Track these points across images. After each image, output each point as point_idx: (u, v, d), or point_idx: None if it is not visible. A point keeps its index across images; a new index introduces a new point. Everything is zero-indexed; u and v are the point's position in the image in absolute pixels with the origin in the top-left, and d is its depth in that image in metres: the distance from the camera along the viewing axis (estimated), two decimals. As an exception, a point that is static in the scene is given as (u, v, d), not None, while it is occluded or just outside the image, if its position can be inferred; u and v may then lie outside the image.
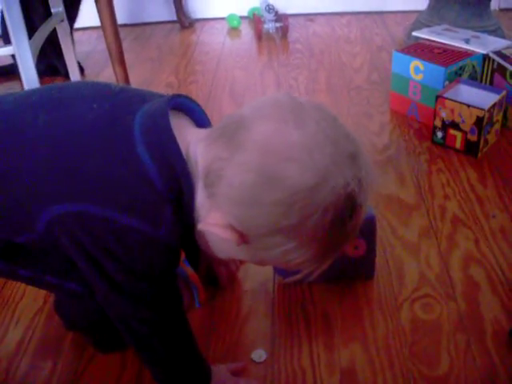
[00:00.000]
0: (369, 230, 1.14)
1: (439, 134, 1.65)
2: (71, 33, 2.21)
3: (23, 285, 1.23)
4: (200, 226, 0.82)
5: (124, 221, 0.77)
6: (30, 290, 1.22)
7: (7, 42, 2.04)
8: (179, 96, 0.86)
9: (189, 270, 1.12)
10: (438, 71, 1.70)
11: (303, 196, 0.74)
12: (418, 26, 2.17)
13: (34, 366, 1.07)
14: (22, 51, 1.91)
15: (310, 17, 2.85)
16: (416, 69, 1.76)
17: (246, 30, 2.81)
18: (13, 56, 2.11)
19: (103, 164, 0.78)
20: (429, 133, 1.70)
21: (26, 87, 1.96)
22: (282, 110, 0.79)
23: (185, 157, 0.79)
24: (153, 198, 0.78)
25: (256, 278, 1.23)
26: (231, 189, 0.76)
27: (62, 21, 2.01)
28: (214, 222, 0.80)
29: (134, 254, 0.81)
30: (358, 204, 0.78)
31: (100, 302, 0.89)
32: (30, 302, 1.20)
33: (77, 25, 2.37)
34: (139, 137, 0.78)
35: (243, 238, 0.79)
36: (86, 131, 0.80)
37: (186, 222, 0.82)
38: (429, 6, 2.36)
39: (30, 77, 1.96)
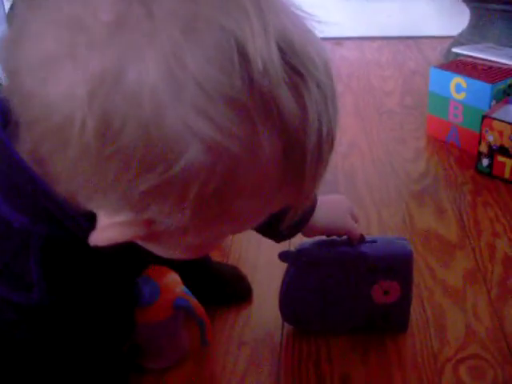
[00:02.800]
0: (404, 271, 0.92)
1: (485, 162, 1.43)
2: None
3: None
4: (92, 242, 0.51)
5: None
6: None
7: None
8: None
9: (193, 301, 0.90)
10: (484, 89, 1.48)
11: None
12: (458, 45, 1.97)
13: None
14: None
15: (337, 41, 2.66)
16: (458, 86, 1.54)
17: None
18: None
19: None
20: (472, 160, 1.48)
21: None
22: None
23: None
24: (12, 243, 0.55)
25: (260, 326, 1.01)
26: None
27: None
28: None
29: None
30: None
31: None
32: None
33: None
34: None
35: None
36: None
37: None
38: (469, 23, 2.16)
39: None
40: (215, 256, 1.10)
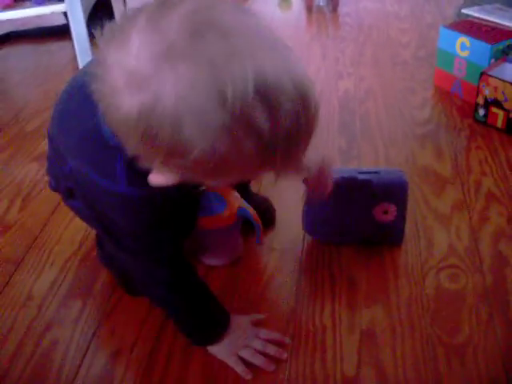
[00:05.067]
0: (400, 196, 1.16)
1: (481, 112, 1.64)
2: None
3: (60, 229, 1.30)
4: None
5: (89, 172, 0.84)
6: (67, 234, 1.28)
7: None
8: None
9: (251, 209, 1.15)
10: (484, 48, 1.68)
11: None
12: (470, 4, 2.14)
13: (65, 304, 1.12)
14: (73, 9, 1.96)
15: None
16: (462, 45, 1.75)
17: (297, 2, 2.80)
18: (65, 15, 2.17)
19: (80, 131, 0.85)
20: (471, 110, 1.69)
21: (77, 47, 2.01)
22: None
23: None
24: (107, 153, 0.81)
25: (285, 238, 1.26)
26: None
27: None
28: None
29: (105, 206, 0.88)
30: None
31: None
32: (66, 246, 1.26)
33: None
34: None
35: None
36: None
37: None
38: (482, -16, 2.32)
39: (80, 36, 2.00)
40: (252, 185, 1.34)
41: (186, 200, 0.98)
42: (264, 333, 1.02)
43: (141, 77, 0.62)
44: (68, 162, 0.89)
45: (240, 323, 1.02)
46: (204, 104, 0.61)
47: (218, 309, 1.01)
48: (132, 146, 0.68)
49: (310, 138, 0.69)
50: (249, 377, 0.98)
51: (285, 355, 1.01)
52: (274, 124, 0.63)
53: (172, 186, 0.75)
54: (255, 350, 1.00)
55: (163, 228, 0.91)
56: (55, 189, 1.12)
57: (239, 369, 0.99)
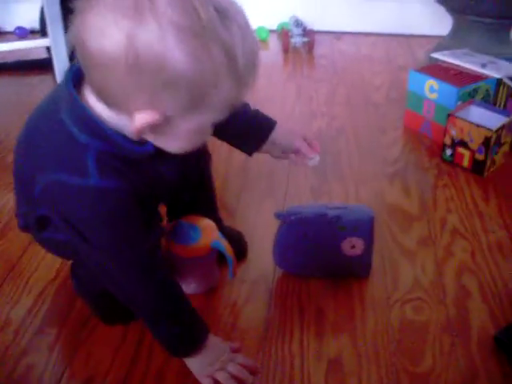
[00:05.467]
0: (367, 231, 1.20)
1: (448, 152, 1.70)
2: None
3: (38, 257, 1.32)
4: (132, 129, 0.84)
5: (58, 177, 0.89)
6: (44, 262, 1.31)
7: (44, 35, 2.13)
8: (72, 66, 0.92)
9: (225, 242, 1.18)
10: (452, 91, 1.75)
11: None
12: (440, 49, 2.22)
13: (41, 331, 1.14)
14: (57, 44, 2.00)
15: (337, 35, 2.91)
16: (431, 88, 1.82)
17: (274, 43, 2.87)
18: (48, 49, 2.22)
19: (47, 139, 0.93)
20: (439, 150, 1.76)
21: (59, 81, 2.04)
22: None
23: (89, 108, 0.88)
24: (77, 151, 0.88)
25: (256, 270, 1.30)
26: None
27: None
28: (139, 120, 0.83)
29: (73, 207, 0.91)
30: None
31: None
32: (43, 273, 1.28)
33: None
34: (65, 114, 0.89)
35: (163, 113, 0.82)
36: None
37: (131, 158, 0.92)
38: (451, 30, 2.41)
39: (62, 69, 2.04)
40: (224, 218, 1.37)
41: (156, 191, 1.02)
42: (240, 358, 1.05)
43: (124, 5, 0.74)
44: (36, 183, 0.93)
45: (219, 344, 1.06)
46: (183, 20, 0.74)
47: (198, 318, 1.04)
48: (119, 89, 0.79)
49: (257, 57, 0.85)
50: None
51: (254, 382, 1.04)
52: (235, 36, 0.78)
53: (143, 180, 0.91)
54: (230, 374, 1.03)
55: (137, 220, 0.95)
56: (24, 227, 1.15)
57: None
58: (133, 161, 0.92)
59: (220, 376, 1.02)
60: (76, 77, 0.90)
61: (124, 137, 0.89)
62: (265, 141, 1.22)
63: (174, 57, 0.75)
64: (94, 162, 0.87)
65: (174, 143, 0.90)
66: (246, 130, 1.20)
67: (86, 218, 0.91)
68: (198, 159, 1.19)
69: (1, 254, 1.35)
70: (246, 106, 1.20)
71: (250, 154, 1.26)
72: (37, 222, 1.07)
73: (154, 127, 0.83)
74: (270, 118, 1.23)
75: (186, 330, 1.02)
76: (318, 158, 1.22)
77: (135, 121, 0.82)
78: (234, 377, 1.02)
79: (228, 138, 1.22)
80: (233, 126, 1.11)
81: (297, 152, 1.23)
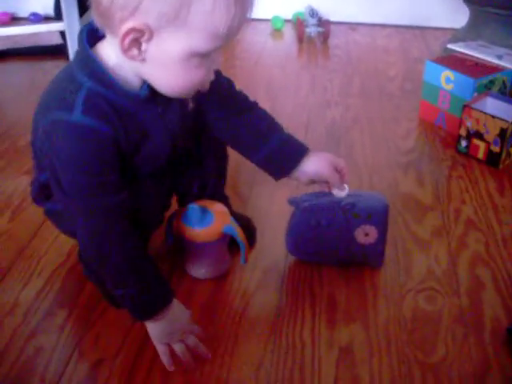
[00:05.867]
0: (380, 219, 1.19)
1: (463, 143, 1.69)
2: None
3: (48, 241, 1.32)
4: (120, 46, 0.87)
5: (52, 116, 0.93)
6: (55, 245, 1.31)
7: (59, 18, 2.13)
8: (86, 26, 0.97)
9: (237, 227, 1.17)
10: (468, 82, 1.74)
11: None
12: (455, 41, 2.20)
13: (51, 312, 1.14)
14: (71, 28, 1.99)
15: (352, 26, 2.90)
16: (447, 79, 1.80)
17: (289, 33, 2.87)
18: (62, 35, 2.21)
19: (53, 84, 1.00)
20: (454, 141, 1.74)
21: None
22: None
23: (98, 57, 0.94)
24: (72, 87, 0.93)
25: (268, 257, 1.29)
26: None
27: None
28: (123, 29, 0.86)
29: (57, 143, 0.93)
30: None
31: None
32: (54, 257, 1.28)
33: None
34: (74, 63, 0.97)
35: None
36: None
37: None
38: (467, 22, 2.39)
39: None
40: (237, 206, 1.38)
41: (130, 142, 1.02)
42: (198, 330, 1.06)
43: None
44: (38, 132, 0.97)
45: (181, 314, 1.05)
46: None
47: (162, 281, 1.04)
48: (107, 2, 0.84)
49: None
50: (172, 369, 1.02)
51: (209, 355, 1.05)
52: None
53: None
54: (187, 346, 1.04)
55: (111, 169, 0.96)
56: (34, 197, 1.17)
57: (165, 359, 1.03)
58: (124, 108, 0.95)
59: (177, 347, 1.03)
60: (89, 35, 0.95)
61: (122, 80, 0.94)
62: (294, 168, 1.19)
63: None
64: (82, 99, 0.91)
65: (163, 75, 0.92)
66: (277, 154, 1.18)
67: (62, 155, 0.93)
68: (217, 160, 1.24)
69: (11, 236, 1.36)
70: (279, 129, 1.19)
71: (276, 179, 1.23)
72: (41, 191, 1.10)
73: (139, 42, 0.86)
74: (303, 145, 1.20)
75: (148, 291, 1.01)
76: (346, 190, 1.20)
77: (121, 31, 0.85)
78: (190, 350, 1.03)
79: (258, 161, 1.20)
80: (264, 149, 1.16)
81: (326, 182, 1.21)
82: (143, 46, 0.87)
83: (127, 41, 0.85)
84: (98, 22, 0.90)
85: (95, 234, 0.98)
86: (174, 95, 0.97)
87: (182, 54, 0.88)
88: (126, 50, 0.87)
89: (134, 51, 0.87)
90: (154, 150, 1.05)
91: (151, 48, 0.87)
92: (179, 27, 0.84)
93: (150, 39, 0.86)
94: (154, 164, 1.08)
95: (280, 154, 1.18)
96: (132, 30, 0.84)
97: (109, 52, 0.93)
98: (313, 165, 1.18)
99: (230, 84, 1.19)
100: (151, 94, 0.96)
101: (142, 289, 1.00)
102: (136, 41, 0.86)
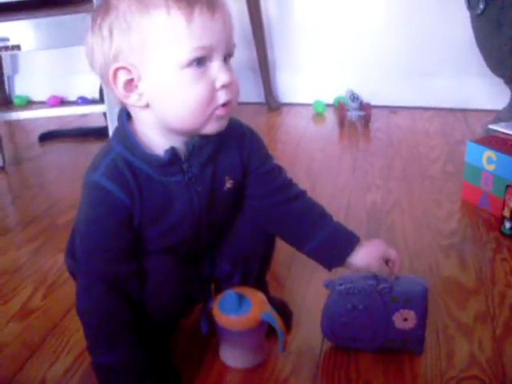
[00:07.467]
0: (419, 303, 1.15)
1: (507, 225, 1.64)
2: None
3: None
4: (117, 96, 0.98)
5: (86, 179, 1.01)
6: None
7: (103, 101, 2.20)
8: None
9: (276, 315, 1.13)
10: (510, 162, 1.70)
11: None
12: (497, 121, 2.19)
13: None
14: (112, 109, 2.06)
15: (393, 109, 2.91)
16: (489, 159, 1.77)
17: (330, 117, 2.89)
18: (105, 115, 2.28)
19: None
20: (498, 223, 1.70)
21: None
22: None
23: (131, 129, 1.01)
24: (104, 151, 1.01)
25: (303, 341, 1.25)
26: None
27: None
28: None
29: (80, 199, 1.02)
30: None
31: None
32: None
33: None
34: (113, 136, 1.05)
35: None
36: None
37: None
38: (509, 103, 2.38)
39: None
40: (273, 288, 1.35)
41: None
42: None
43: None
44: None
45: None
46: None
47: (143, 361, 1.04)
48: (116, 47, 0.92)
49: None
50: None
51: None
52: None
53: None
54: None
55: (119, 238, 1.00)
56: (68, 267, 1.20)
57: None
58: (147, 175, 0.99)
59: None
60: (129, 115, 1.02)
61: (149, 145, 1.00)
62: (346, 258, 1.16)
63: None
64: (107, 161, 0.98)
65: (168, 102, 0.95)
66: (330, 244, 1.15)
67: (79, 209, 1.03)
68: (262, 242, 1.21)
69: (44, 313, 1.36)
70: (329, 218, 1.18)
71: (329, 269, 1.20)
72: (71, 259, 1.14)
73: (133, 85, 0.94)
74: (354, 234, 1.17)
75: (121, 364, 1.02)
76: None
77: (114, 80, 0.94)
78: None
79: (309, 251, 1.17)
80: (317, 239, 1.14)
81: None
82: (139, 89, 0.94)
83: (121, 84, 0.93)
84: (115, 98, 0.99)
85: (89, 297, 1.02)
86: (189, 125, 0.97)
87: (171, 71, 0.91)
88: (125, 97, 0.95)
89: (134, 96, 0.95)
90: (176, 222, 1.04)
91: (146, 85, 0.93)
92: (154, 49, 0.91)
93: (139, 77, 0.93)
94: (173, 239, 1.07)
95: (333, 243, 1.15)
96: (117, 69, 0.92)
97: (136, 123, 1.01)
98: (363, 258, 1.15)
99: (280, 170, 1.18)
100: (176, 159, 0.99)
101: (116, 360, 1.02)
102: (130, 84, 0.93)
